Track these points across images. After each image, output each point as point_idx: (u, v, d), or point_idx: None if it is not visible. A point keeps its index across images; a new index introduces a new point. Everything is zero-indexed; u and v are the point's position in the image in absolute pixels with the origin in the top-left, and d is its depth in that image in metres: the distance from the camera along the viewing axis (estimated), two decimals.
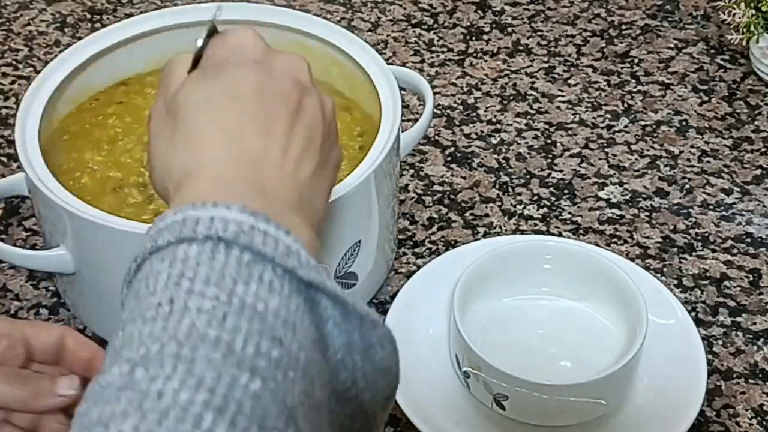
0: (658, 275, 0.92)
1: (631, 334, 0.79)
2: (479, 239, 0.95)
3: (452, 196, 1.00)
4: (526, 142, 1.06)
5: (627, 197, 1.00)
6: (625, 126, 1.08)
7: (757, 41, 1.09)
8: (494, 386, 0.76)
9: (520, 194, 1.00)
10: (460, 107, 1.10)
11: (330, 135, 0.57)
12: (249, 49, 0.57)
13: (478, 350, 0.75)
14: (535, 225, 0.97)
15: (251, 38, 0.57)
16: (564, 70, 1.15)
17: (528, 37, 1.20)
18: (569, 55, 1.17)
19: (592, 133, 1.07)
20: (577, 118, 1.09)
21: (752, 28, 1.08)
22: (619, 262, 0.86)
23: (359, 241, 0.82)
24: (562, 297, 0.85)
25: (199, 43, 0.58)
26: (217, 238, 0.46)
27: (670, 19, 1.23)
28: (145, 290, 0.46)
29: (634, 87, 1.13)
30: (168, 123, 0.55)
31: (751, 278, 0.92)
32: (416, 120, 0.90)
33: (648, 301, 0.79)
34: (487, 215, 0.98)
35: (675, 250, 0.95)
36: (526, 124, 1.08)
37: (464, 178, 1.02)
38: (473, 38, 1.20)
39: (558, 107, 1.10)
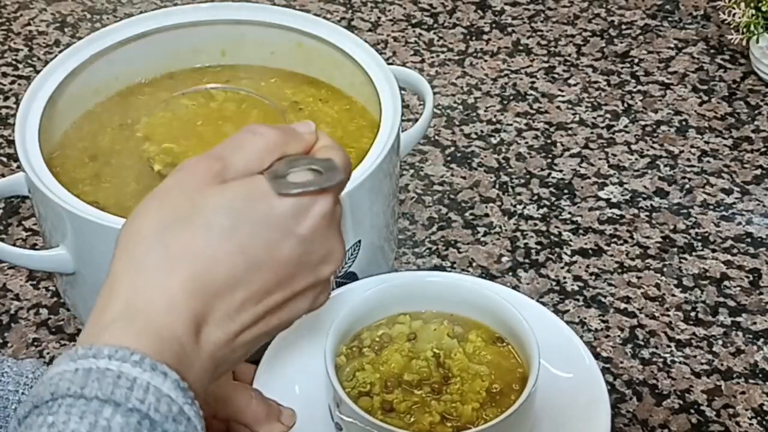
0: (659, 274, 0.92)
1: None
2: (478, 238, 0.95)
3: (452, 196, 1.00)
4: (526, 142, 1.06)
5: (627, 197, 1.00)
6: (625, 126, 1.08)
7: (757, 41, 1.09)
8: None
9: (520, 194, 1.00)
10: (460, 107, 1.10)
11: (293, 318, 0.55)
12: (315, 224, 0.53)
13: (348, 399, 0.68)
14: (535, 225, 0.97)
15: (328, 217, 0.53)
16: (564, 70, 1.15)
17: (528, 37, 1.20)
18: (569, 55, 1.17)
19: (592, 133, 1.07)
20: (577, 118, 1.09)
21: (752, 28, 1.08)
22: (515, 300, 0.76)
23: (359, 241, 0.82)
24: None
25: (301, 176, 0.53)
26: (145, 415, 0.45)
27: (670, 19, 1.23)
28: None
29: (634, 87, 1.13)
30: (180, 210, 0.51)
31: (751, 278, 0.92)
32: (416, 120, 0.90)
33: (549, 346, 0.72)
34: (487, 215, 0.98)
35: (675, 250, 0.95)
36: (526, 124, 1.08)
37: (464, 178, 1.02)
38: (473, 38, 1.20)
39: (558, 107, 1.10)
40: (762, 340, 0.87)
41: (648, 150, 1.05)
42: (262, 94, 0.89)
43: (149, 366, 0.46)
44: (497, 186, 1.01)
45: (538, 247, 0.95)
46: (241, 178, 0.52)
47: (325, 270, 0.54)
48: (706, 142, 1.06)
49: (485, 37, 1.20)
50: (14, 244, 0.91)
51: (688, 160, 1.04)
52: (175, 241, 0.50)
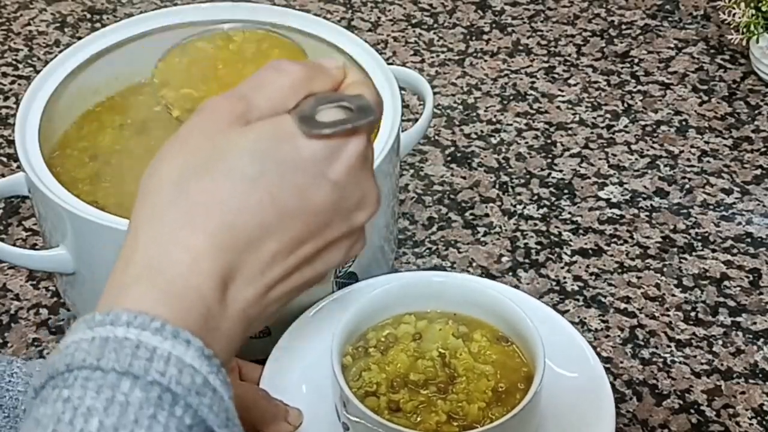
0: (659, 274, 0.92)
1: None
2: (478, 237, 0.95)
3: (452, 196, 1.00)
4: (526, 142, 1.06)
5: (627, 197, 1.00)
6: (625, 126, 1.08)
7: (757, 41, 1.09)
8: None
9: (520, 194, 1.00)
10: (460, 107, 1.10)
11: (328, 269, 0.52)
12: (348, 167, 0.49)
13: (355, 399, 0.68)
14: (535, 225, 0.97)
15: (361, 159, 0.50)
16: (564, 70, 1.15)
17: (528, 37, 1.20)
18: (569, 55, 1.17)
19: (592, 133, 1.07)
20: (577, 118, 1.09)
21: (752, 28, 1.08)
22: (519, 299, 0.76)
23: None
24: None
25: (331, 114, 0.49)
26: (166, 388, 0.42)
27: (670, 19, 1.23)
28: (56, 425, 0.41)
29: (634, 87, 1.13)
30: (202, 154, 0.48)
31: (751, 278, 0.92)
32: (416, 120, 0.90)
33: (553, 345, 0.72)
34: (487, 215, 0.98)
35: (675, 250, 0.95)
36: (526, 124, 1.08)
37: (464, 178, 1.02)
38: (473, 38, 1.20)
39: (558, 107, 1.10)
40: (762, 340, 0.87)
41: (648, 150, 1.05)
42: (282, 33, 0.85)
43: (170, 334, 0.43)
44: (497, 186, 1.01)
45: (538, 247, 0.95)
46: (265, 119, 0.49)
47: (359, 216, 0.51)
48: (706, 142, 1.06)
49: (485, 37, 1.20)
50: (14, 244, 0.91)
51: (688, 160, 1.04)
52: (197, 187, 0.47)
